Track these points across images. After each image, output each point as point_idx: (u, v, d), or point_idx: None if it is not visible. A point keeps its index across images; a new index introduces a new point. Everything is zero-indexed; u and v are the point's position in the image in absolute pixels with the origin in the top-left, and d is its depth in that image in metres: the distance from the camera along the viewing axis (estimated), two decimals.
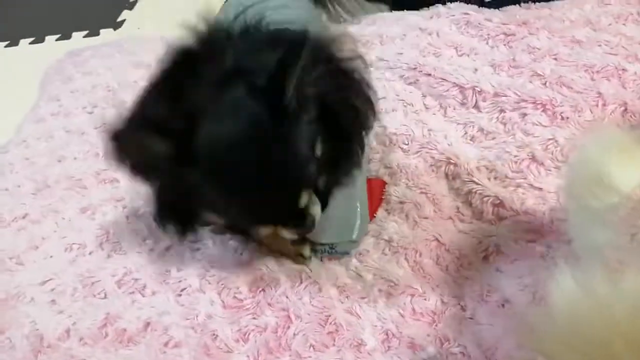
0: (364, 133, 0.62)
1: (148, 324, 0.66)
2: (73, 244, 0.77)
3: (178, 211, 0.59)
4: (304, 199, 0.55)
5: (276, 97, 0.49)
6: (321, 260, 0.69)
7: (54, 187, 0.87)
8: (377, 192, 0.74)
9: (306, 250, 0.68)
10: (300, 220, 0.56)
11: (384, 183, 0.76)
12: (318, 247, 0.69)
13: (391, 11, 1.10)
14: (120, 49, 1.18)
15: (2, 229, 0.82)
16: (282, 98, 0.49)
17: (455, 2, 1.01)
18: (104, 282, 0.71)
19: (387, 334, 0.61)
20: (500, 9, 0.98)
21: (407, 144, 0.78)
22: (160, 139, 0.49)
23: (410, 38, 0.94)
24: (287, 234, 0.59)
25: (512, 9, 0.96)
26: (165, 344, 0.64)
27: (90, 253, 0.75)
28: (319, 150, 0.55)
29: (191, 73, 0.53)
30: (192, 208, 0.58)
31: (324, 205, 0.58)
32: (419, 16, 1.00)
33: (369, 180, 0.75)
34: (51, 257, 0.77)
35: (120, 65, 1.11)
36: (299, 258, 0.68)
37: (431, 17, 0.98)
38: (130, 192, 0.81)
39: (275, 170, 0.51)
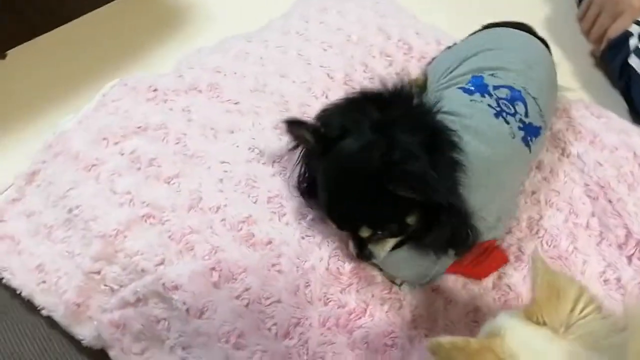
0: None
1: (270, 242, 0.81)
2: (255, 148, 0.93)
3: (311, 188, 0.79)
4: (364, 232, 0.70)
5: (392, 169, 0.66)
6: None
7: (267, 94, 1.03)
8: (495, 262, 0.80)
9: (397, 280, 0.79)
10: (361, 247, 0.72)
11: (506, 261, 0.81)
12: None
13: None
14: (377, 7, 1.28)
15: (217, 103, 1.01)
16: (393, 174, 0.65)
17: None
18: (260, 191, 0.87)
19: None
20: None
21: (549, 247, 0.82)
22: (313, 138, 0.72)
23: (619, 156, 0.94)
24: (351, 248, 0.75)
25: None
26: (273, 265, 0.79)
27: (263, 163, 0.91)
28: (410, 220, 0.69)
29: (364, 108, 0.73)
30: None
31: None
32: None
33: (496, 248, 0.81)
34: (237, 146, 0.94)
35: (369, 23, 1.21)
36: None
37: None
38: None
39: (356, 198, 0.69)
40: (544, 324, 0.52)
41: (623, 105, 1.20)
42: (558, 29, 1.40)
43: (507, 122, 0.78)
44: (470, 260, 0.75)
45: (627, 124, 1.02)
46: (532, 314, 0.52)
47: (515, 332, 0.52)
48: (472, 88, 0.83)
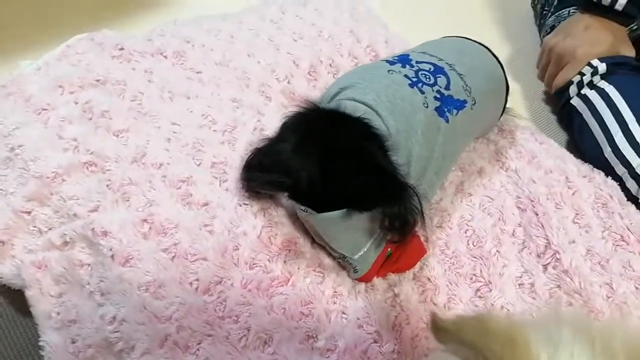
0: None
1: (207, 204, 0.82)
2: (209, 115, 0.94)
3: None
4: None
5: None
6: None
7: (230, 69, 1.05)
8: (415, 255, 0.82)
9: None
10: None
11: (424, 252, 0.83)
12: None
13: None
14: (354, 12, 1.32)
15: (180, 70, 1.03)
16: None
17: None
18: (205, 155, 0.88)
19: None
20: None
21: (474, 246, 0.86)
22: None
23: (552, 177, 0.98)
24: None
25: None
26: (205, 226, 0.79)
27: (214, 130, 0.93)
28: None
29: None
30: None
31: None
32: None
33: (415, 238, 0.82)
34: (191, 111, 0.95)
35: (342, 24, 1.25)
36: None
37: None
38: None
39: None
40: None
41: (565, 139, 1.28)
42: (519, 65, 1.48)
43: (422, 92, 0.81)
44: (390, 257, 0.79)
45: (565, 152, 1.07)
46: None
47: None
48: (395, 60, 0.87)
